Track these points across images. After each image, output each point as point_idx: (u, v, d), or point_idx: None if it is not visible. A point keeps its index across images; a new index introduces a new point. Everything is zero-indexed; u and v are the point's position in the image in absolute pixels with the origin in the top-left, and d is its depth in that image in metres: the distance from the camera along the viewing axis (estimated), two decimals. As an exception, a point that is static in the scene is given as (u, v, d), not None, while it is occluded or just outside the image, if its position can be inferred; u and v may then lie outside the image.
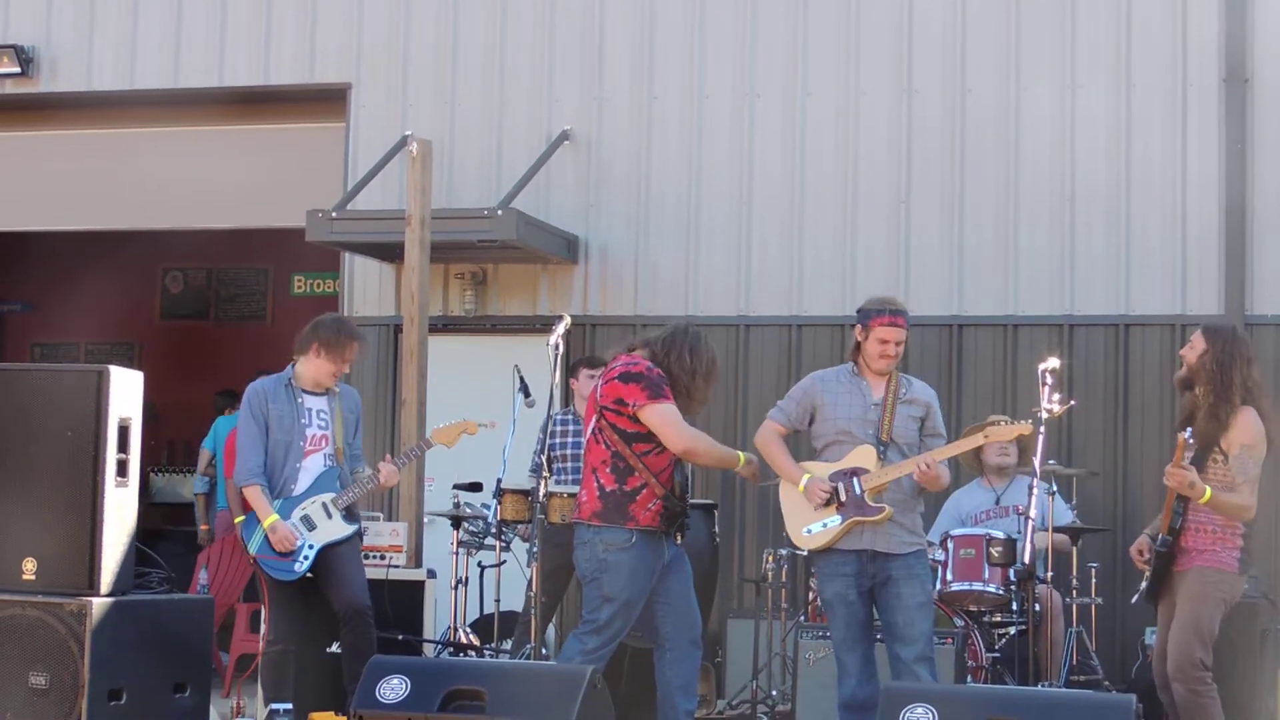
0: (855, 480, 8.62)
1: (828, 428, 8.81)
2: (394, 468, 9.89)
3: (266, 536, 9.49)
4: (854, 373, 8.87)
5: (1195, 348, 8.73)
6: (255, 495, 9.56)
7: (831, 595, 8.78)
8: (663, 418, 8.73)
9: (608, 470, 8.78)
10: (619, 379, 8.84)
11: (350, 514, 9.72)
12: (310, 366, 9.75)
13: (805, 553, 9.14)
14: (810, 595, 10.91)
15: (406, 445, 11.10)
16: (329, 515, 9.59)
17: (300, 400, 9.68)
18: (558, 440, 11.29)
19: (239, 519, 9.76)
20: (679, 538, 8.91)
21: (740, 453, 8.97)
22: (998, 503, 11.07)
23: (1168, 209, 12.27)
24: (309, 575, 9.61)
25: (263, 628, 9.78)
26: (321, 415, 9.73)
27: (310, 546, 9.54)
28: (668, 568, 8.82)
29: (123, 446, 8.49)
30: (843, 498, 8.63)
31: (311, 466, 9.65)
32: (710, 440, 8.94)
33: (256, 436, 9.60)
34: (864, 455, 8.66)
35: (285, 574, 9.55)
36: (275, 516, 9.47)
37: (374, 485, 9.84)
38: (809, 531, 8.73)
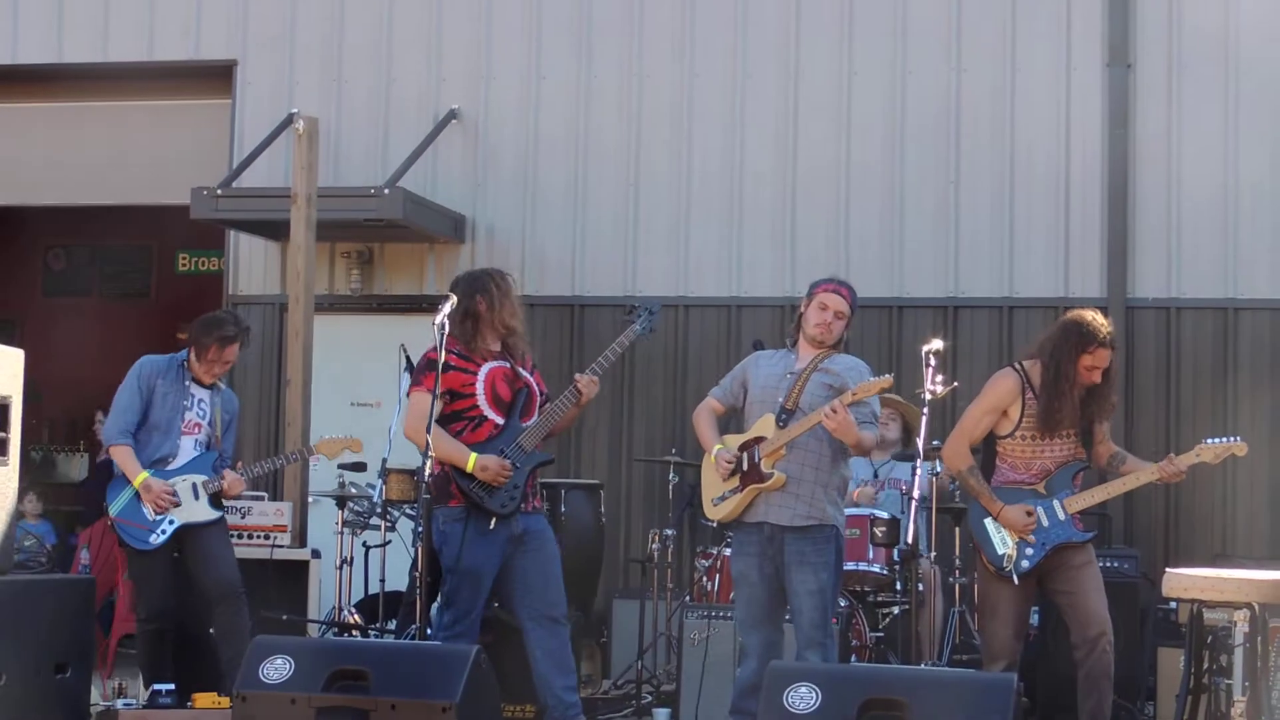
0: (756, 448, 8.60)
1: (749, 398, 8.77)
2: (239, 477, 9.81)
3: (130, 502, 9.45)
4: (790, 346, 8.87)
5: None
6: (125, 454, 9.51)
7: (735, 573, 8.74)
8: (408, 405, 8.85)
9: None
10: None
11: (215, 501, 9.67)
12: (194, 361, 9.72)
13: (715, 523, 9.06)
14: (695, 575, 10.94)
15: (291, 447, 11.11)
16: (195, 496, 9.55)
17: (187, 385, 9.66)
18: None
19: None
20: (525, 507, 8.85)
21: (472, 456, 8.70)
22: (875, 476, 11.12)
23: (1051, 193, 12.39)
24: (176, 555, 9.56)
25: (134, 604, 9.72)
26: (202, 405, 9.72)
27: (170, 522, 9.49)
28: (523, 547, 8.77)
29: (2, 425, 8.41)
30: (744, 466, 8.61)
31: (184, 447, 9.61)
32: (442, 437, 8.66)
33: (134, 401, 9.58)
34: (764, 423, 8.60)
35: (140, 543, 9.47)
36: (146, 474, 9.43)
37: (217, 488, 9.73)
38: (716, 502, 8.72)
